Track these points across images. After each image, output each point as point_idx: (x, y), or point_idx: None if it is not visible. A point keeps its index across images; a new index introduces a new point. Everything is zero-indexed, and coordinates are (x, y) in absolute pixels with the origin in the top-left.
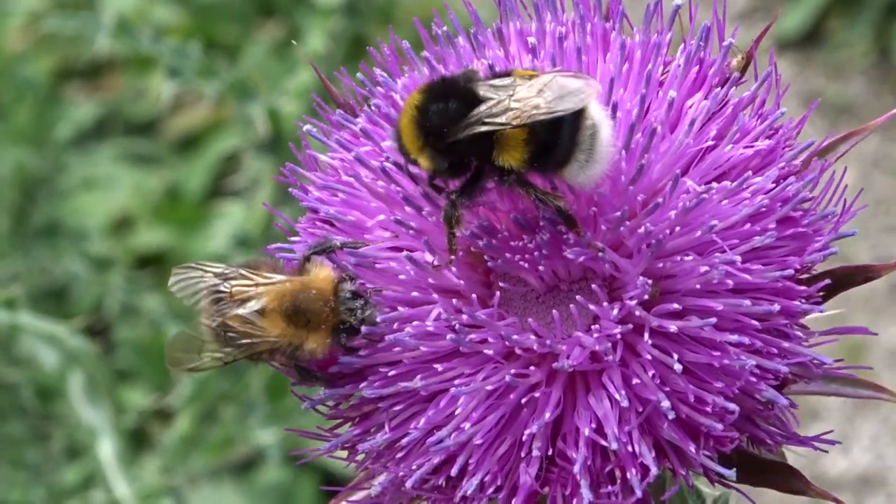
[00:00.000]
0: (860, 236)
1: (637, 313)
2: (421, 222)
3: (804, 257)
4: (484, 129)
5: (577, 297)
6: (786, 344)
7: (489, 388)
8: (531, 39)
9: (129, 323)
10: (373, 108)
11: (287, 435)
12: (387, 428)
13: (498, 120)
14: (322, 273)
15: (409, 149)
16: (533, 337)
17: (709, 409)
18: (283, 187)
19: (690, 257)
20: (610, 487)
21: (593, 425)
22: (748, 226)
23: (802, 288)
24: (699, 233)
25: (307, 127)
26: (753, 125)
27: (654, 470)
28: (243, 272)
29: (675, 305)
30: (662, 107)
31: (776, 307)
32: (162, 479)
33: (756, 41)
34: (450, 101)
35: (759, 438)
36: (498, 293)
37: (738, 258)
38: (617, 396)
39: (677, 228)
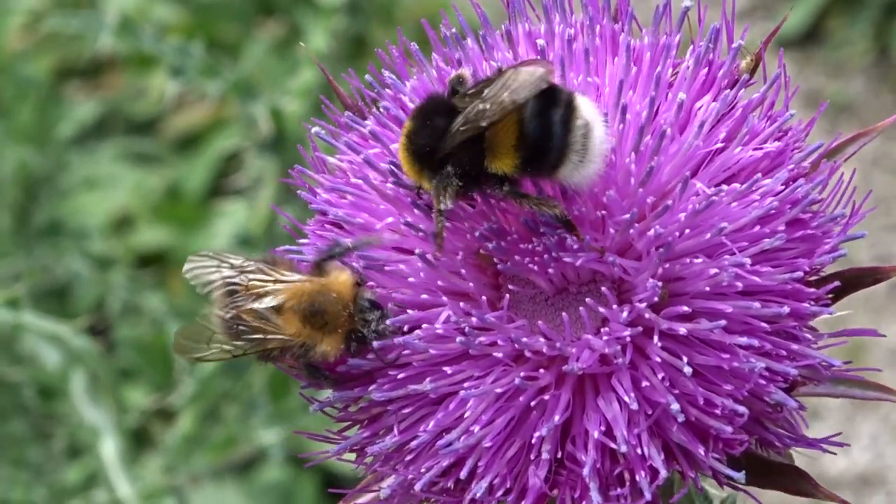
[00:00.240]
0: None
1: (646, 316)
2: (430, 225)
3: (813, 259)
4: (461, 137)
5: (587, 299)
6: (795, 346)
7: (498, 390)
8: (540, 41)
9: (131, 322)
10: (381, 110)
11: (289, 435)
12: (396, 431)
13: (473, 125)
14: (342, 277)
15: (411, 177)
16: (542, 339)
17: (718, 411)
18: (286, 187)
19: (700, 260)
20: (619, 490)
21: (602, 428)
22: (758, 228)
23: (812, 290)
24: (709, 235)
25: (315, 129)
26: (762, 127)
27: (663, 472)
28: (262, 266)
29: (685, 308)
30: (672, 109)
31: (785, 309)
32: (164, 478)
33: (765, 42)
34: (434, 119)
35: (768, 441)
36: (507, 296)
37: (748, 260)
38: (626, 399)
39: (687, 231)
